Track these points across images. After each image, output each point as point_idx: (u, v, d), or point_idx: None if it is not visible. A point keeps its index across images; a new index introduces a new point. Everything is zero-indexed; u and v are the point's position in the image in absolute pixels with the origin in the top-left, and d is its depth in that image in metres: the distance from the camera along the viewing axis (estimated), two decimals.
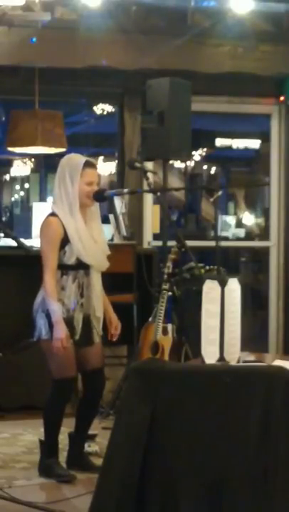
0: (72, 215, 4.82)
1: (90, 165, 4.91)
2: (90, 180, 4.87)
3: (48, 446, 4.99)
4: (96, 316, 4.93)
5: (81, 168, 4.85)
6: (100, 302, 4.95)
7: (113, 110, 8.65)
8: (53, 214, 4.86)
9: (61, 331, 4.73)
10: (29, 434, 5.77)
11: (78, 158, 4.92)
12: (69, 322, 4.82)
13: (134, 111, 7.33)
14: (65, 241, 4.81)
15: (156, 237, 7.46)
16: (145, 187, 5.96)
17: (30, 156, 14.91)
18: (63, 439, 5.12)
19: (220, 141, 13.97)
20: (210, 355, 3.64)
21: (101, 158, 13.00)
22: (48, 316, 4.79)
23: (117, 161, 7.99)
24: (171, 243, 5.81)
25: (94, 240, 4.89)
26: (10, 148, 7.44)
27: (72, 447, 5.09)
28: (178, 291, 5.83)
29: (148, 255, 6.51)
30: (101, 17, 6.70)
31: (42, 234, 4.87)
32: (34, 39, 6.70)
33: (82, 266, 4.87)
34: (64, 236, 4.80)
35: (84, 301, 4.90)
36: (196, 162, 13.90)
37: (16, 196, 19.64)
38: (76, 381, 5.22)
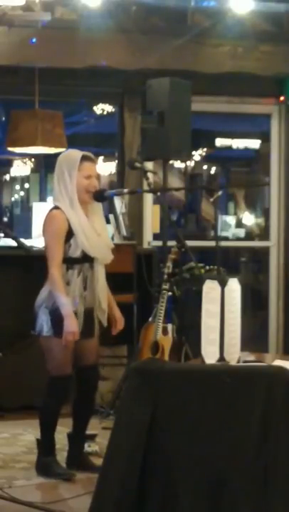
0: (73, 209, 4.82)
1: (87, 159, 4.90)
2: (88, 173, 4.87)
3: (45, 445, 4.99)
4: (102, 308, 4.93)
5: (78, 163, 4.84)
6: (104, 294, 4.95)
7: (113, 110, 8.65)
8: (56, 208, 4.86)
9: (73, 325, 4.71)
10: (29, 434, 5.76)
11: (75, 153, 4.91)
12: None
13: (134, 111, 7.33)
14: (70, 234, 4.80)
15: (156, 237, 7.46)
16: (145, 187, 5.96)
17: (30, 156, 14.90)
18: (62, 439, 5.13)
19: (220, 141, 13.95)
20: (210, 355, 3.64)
21: (101, 158, 12.99)
22: (52, 313, 4.78)
23: (117, 161, 7.99)
24: (171, 243, 5.81)
25: (97, 234, 4.89)
26: (10, 148, 7.44)
27: (71, 447, 5.09)
28: (178, 291, 5.83)
29: (148, 255, 6.51)
30: (101, 17, 6.70)
31: (46, 228, 4.86)
32: (34, 40, 6.70)
33: (87, 259, 4.86)
34: (68, 229, 4.80)
35: (87, 294, 4.89)
36: (196, 162, 13.89)
37: (16, 196, 19.62)
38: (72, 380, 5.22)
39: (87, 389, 5.05)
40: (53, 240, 4.80)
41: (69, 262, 4.83)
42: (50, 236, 4.82)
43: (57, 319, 4.78)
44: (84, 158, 4.87)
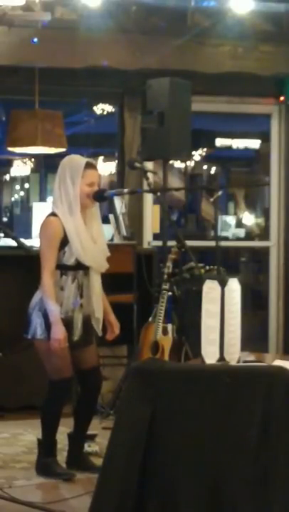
0: (71, 215, 4.82)
1: (91, 166, 4.92)
2: (91, 181, 4.88)
3: (47, 446, 4.99)
4: (96, 317, 4.93)
5: (82, 169, 4.85)
6: (99, 303, 4.94)
7: (113, 110, 8.65)
8: (53, 214, 4.86)
9: (59, 332, 4.72)
10: (29, 434, 5.77)
11: (79, 159, 4.92)
12: (68, 323, 4.82)
13: (134, 111, 7.33)
14: (65, 241, 4.81)
15: (156, 237, 7.46)
16: (145, 187, 5.96)
17: (30, 156, 14.91)
18: (63, 439, 5.13)
19: (220, 141, 13.97)
20: (210, 355, 3.64)
21: (101, 158, 13.00)
22: (45, 316, 4.78)
23: (117, 161, 7.99)
24: (171, 243, 5.81)
25: (93, 241, 4.89)
26: (10, 148, 7.44)
27: (71, 447, 5.09)
28: (178, 291, 5.83)
29: (148, 255, 6.50)
30: (101, 17, 6.70)
31: (41, 234, 4.87)
32: (35, 39, 6.70)
33: (81, 266, 4.87)
34: (64, 236, 4.80)
35: (84, 302, 4.90)
36: (196, 162, 13.90)
37: (16, 196, 19.63)
38: (74, 381, 5.23)
39: (91, 390, 5.06)
40: (46, 245, 4.81)
41: (63, 268, 4.84)
42: (44, 242, 4.83)
43: (49, 323, 4.78)
44: (87, 166, 4.88)
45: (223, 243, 8.39)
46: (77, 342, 4.87)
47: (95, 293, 4.91)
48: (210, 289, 3.64)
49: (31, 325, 4.84)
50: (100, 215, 5.03)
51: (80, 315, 4.88)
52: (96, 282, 4.92)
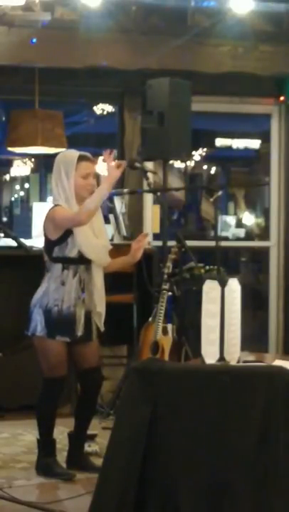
0: (70, 209, 4.82)
1: (84, 158, 4.91)
2: (86, 172, 4.87)
3: (44, 445, 4.99)
4: (97, 311, 4.93)
5: (75, 163, 4.85)
6: (101, 298, 4.94)
7: (113, 110, 8.65)
8: (57, 205, 4.85)
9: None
10: (29, 434, 5.76)
11: (72, 153, 4.93)
12: (70, 318, 4.83)
13: (134, 111, 7.33)
14: (68, 232, 4.80)
15: (156, 237, 7.46)
16: (145, 187, 5.97)
17: (30, 156, 14.90)
18: (63, 439, 5.13)
19: (220, 141, 13.95)
20: (210, 355, 3.64)
21: (101, 158, 12.98)
22: (45, 313, 4.80)
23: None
24: (171, 243, 5.81)
25: (95, 235, 4.89)
26: (10, 148, 7.44)
27: (71, 447, 5.10)
28: (178, 291, 5.83)
29: (148, 255, 6.50)
30: (101, 17, 6.70)
31: (52, 218, 4.81)
32: (34, 40, 6.70)
33: (83, 260, 4.86)
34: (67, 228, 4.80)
35: (85, 297, 4.90)
36: (196, 162, 13.88)
37: (16, 196, 19.62)
38: (70, 380, 5.23)
39: (91, 390, 5.06)
40: (61, 218, 4.76)
41: (65, 261, 4.83)
42: (59, 219, 4.77)
43: (50, 320, 4.81)
44: (81, 158, 4.88)
45: (223, 243, 8.39)
46: (80, 338, 4.87)
47: (97, 287, 4.91)
48: (210, 289, 3.64)
49: (32, 322, 4.85)
50: (101, 211, 5.03)
51: (82, 310, 4.88)
52: (97, 277, 4.92)
